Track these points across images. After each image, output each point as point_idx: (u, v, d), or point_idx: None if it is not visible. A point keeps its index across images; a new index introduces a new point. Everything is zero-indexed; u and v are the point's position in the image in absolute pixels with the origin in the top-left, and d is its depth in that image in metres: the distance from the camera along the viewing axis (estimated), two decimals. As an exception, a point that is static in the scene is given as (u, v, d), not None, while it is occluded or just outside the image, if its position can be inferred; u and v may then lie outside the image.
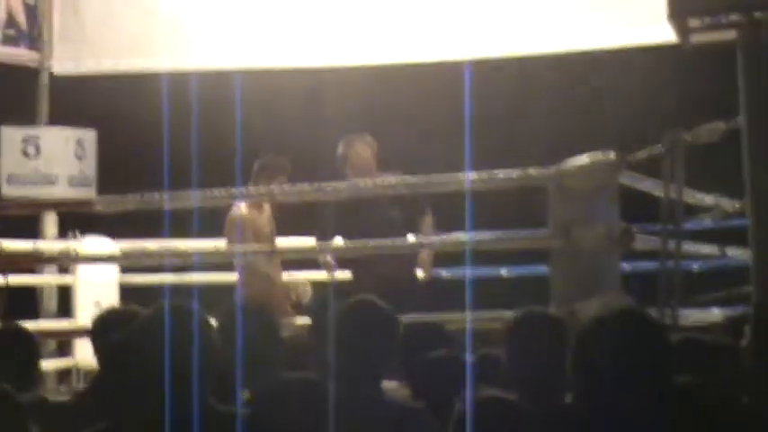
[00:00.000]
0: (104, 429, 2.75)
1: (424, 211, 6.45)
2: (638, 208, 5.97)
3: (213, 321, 3.31)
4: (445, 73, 7.38)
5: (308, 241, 6.88)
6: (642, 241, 5.80)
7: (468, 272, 6.62)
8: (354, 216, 6.19)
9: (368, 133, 6.48)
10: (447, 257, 6.85)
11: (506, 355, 3.48)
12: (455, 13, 8.01)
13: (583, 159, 5.58)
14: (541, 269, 6.30)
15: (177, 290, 6.08)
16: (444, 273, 6.96)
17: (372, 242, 6.12)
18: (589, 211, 5.60)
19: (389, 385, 3.66)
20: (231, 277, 6.62)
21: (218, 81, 7.68)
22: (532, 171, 5.85)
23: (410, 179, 5.83)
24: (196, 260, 6.28)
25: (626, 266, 6.17)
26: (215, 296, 5.64)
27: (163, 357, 2.58)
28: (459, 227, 6.25)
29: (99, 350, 3.65)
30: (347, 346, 3.38)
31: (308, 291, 6.57)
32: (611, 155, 5.46)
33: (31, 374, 3.68)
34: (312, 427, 2.89)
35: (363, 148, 6.54)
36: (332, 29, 8.24)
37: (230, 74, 8.02)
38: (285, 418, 2.89)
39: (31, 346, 3.75)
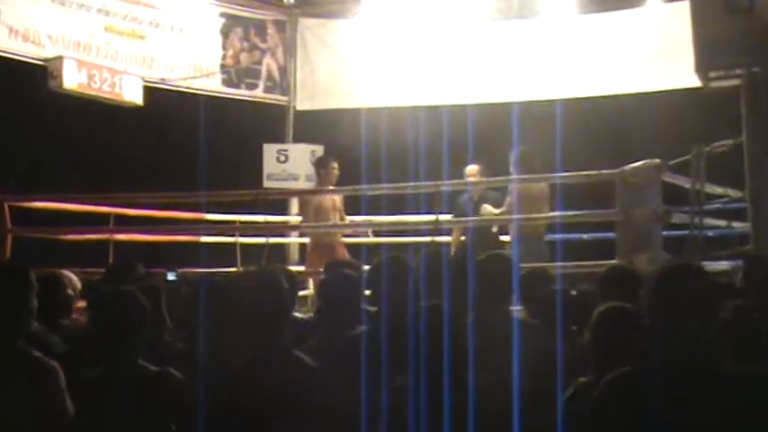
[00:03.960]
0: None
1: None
2: (674, 196, 6.94)
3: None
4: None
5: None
6: (677, 217, 6.87)
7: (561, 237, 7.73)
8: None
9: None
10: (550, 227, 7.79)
11: (600, 292, 4.17)
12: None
13: (637, 164, 6.62)
14: (609, 235, 7.14)
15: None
16: (547, 237, 7.76)
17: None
18: (642, 197, 6.61)
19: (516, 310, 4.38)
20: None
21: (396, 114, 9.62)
22: (604, 171, 6.84)
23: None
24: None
25: (665, 234, 6.84)
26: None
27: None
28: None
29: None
30: (488, 284, 4.06)
31: None
32: (656, 161, 6.60)
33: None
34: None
35: (472, 169, 8.04)
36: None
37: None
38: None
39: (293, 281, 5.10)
